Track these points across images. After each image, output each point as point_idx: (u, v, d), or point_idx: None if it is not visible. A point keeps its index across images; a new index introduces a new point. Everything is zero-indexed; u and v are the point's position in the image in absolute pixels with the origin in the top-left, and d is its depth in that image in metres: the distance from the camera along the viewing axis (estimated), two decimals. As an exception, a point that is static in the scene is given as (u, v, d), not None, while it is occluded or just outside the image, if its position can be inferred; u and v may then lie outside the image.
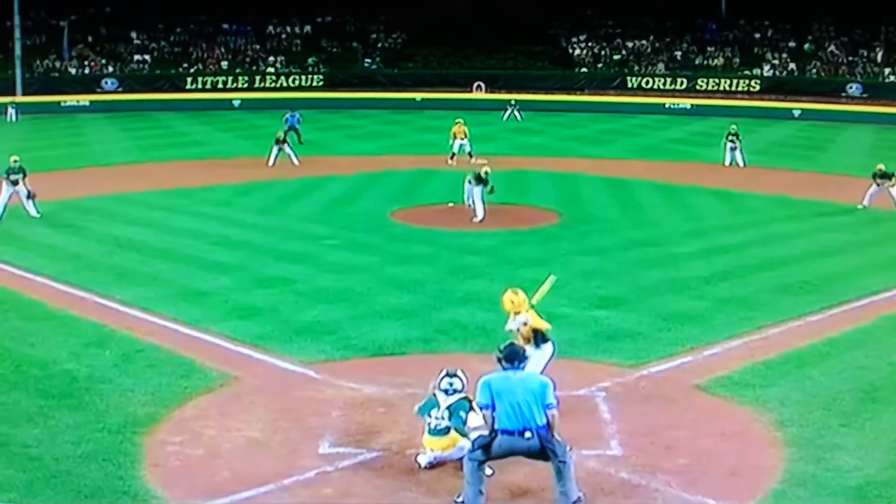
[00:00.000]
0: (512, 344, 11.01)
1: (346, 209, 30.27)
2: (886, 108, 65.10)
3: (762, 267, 22.39)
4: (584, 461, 11.69)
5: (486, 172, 27.93)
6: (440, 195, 31.53)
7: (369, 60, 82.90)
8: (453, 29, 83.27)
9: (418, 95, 70.13)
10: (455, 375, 11.65)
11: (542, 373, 12.87)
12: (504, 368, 10.64)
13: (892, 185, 29.43)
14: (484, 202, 27.78)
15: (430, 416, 11.56)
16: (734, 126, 40.66)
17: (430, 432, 11.54)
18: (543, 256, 23.42)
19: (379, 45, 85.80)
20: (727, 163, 39.66)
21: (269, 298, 19.37)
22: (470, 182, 27.77)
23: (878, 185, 29.45)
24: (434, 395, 11.68)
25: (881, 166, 29.97)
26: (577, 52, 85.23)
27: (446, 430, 11.45)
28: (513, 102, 61.92)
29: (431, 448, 11.52)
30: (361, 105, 68.70)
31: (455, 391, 11.56)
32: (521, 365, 10.66)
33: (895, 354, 16.24)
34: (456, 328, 17.18)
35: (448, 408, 11.51)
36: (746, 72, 78.69)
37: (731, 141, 39.92)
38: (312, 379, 14.76)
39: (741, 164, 39.62)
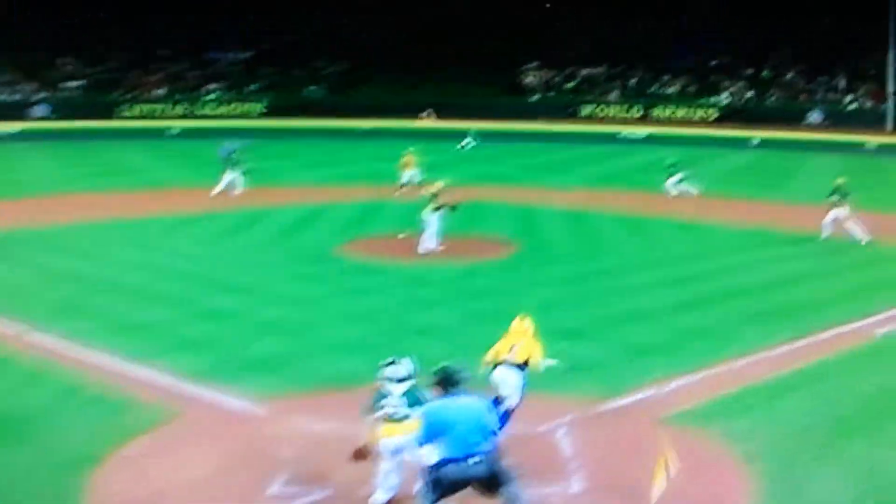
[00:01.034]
0: (446, 367, 10.71)
1: (293, 241, 30.13)
2: (849, 136, 66.00)
3: (726, 297, 22.61)
4: (545, 498, 11.58)
5: (441, 192, 27.86)
6: (391, 226, 31.47)
7: (314, 87, 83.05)
8: (402, 55, 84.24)
9: (365, 124, 70.48)
10: (395, 363, 11.74)
11: (519, 400, 13.30)
12: (442, 395, 10.46)
13: (846, 218, 29.46)
14: (440, 234, 27.72)
15: (382, 407, 11.51)
16: (671, 159, 41.14)
17: (388, 419, 11.46)
18: (500, 288, 23.41)
19: (324, 71, 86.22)
20: (672, 194, 39.80)
21: (215, 332, 19.28)
22: (433, 210, 27.54)
23: (834, 204, 29.34)
24: (381, 386, 11.63)
25: (840, 180, 30.09)
26: (529, 79, 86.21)
27: (405, 417, 11.37)
28: (472, 132, 62.58)
29: (390, 434, 11.42)
30: (307, 134, 68.70)
31: (403, 378, 11.56)
32: (459, 389, 10.44)
33: (863, 385, 16.53)
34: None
35: (403, 395, 11.50)
36: (703, 100, 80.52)
37: (672, 174, 40.34)
38: (260, 416, 14.65)
39: (692, 192, 39.85)
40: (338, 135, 67.93)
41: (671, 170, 40.61)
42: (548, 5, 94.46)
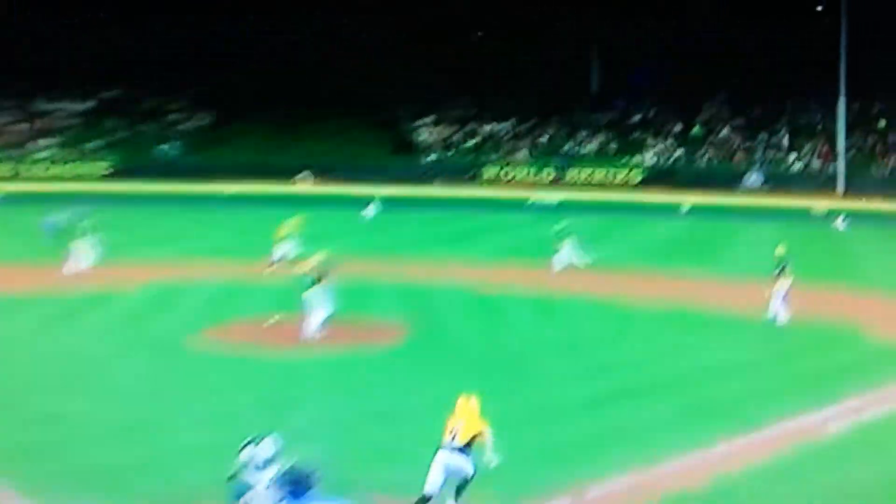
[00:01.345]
0: (293, 467, 10.78)
1: (142, 328, 29.81)
2: (792, 201, 66.81)
3: (654, 389, 22.85)
4: None
5: (321, 267, 27.86)
6: (261, 309, 31.25)
7: (168, 145, 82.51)
8: (274, 107, 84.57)
9: (231, 188, 70.24)
10: (254, 443, 11.71)
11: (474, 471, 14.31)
12: (291, 499, 10.46)
13: (784, 291, 29.45)
14: (324, 318, 27.63)
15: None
16: (559, 226, 41.91)
17: None
18: (387, 381, 23.43)
19: (181, 125, 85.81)
20: (557, 268, 40.56)
21: (44, 440, 18.93)
22: (310, 287, 27.63)
23: (776, 278, 29.37)
24: (240, 478, 11.59)
25: (781, 250, 30.19)
26: (424, 136, 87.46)
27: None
28: (376, 199, 63.10)
29: None
30: (160, 200, 68.07)
31: (268, 462, 11.61)
32: (310, 492, 10.44)
33: (816, 489, 16.64)
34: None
35: (275, 482, 11.32)
36: (625, 160, 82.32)
37: (561, 243, 41.18)
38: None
39: (580, 264, 40.73)
40: (198, 201, 67.52)
41: (557, 238, 41.35)
42: (479, 34, 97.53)
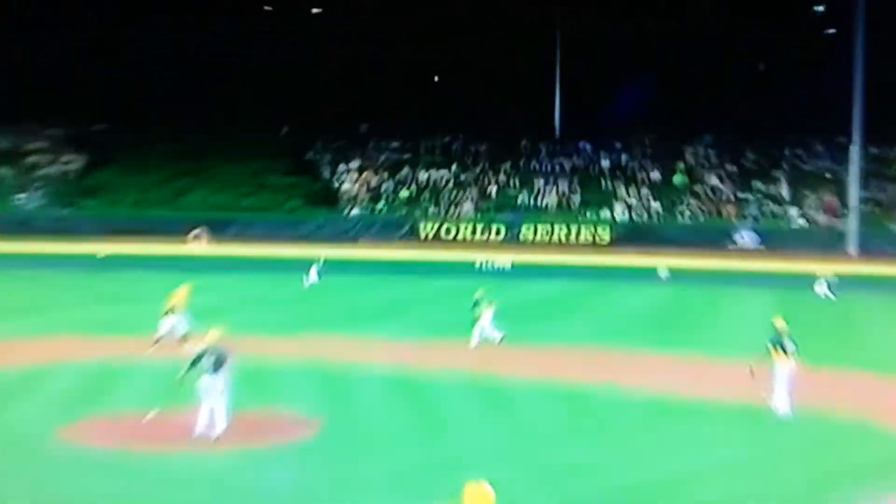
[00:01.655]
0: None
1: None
2: (791, 264, 67.30)
3: (630, 497, 22.82)
4: None
5: (218, 346, 27.52)
6: (138, 400, 30.82)
7: (25, 195, 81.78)
8: (160, 147, 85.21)
9: (103, 247, 69.81)
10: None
11: None
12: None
13: (785, 375, 29.61)
14: (222, 410, 27.30)
15: None
16: (479, 293, 42.75)
17: None
18: (292, 486, 23.39)
19: (42, 169, 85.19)
20: (474, 342, 41.43)
21: None
22: (203, 372, 27.27)
23: (776, 351, 29.57)
24: None
25: (780, 322, 30.36)
26: (347, 185, 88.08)
27: None
28: (319, 260, 64.13)
29: None
30: (14, 263, 67.26)
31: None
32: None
33: None
34: None
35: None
36: (591, 214, 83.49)
37: (477, 310, 42.16)
38: None
39: (495, 338, 41.57)
40: (63, 263, 66.99)
41: (475, 307, 42.27)
42: (436, 78, 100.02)
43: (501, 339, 41.61)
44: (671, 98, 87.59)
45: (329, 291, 60.63)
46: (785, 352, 29.67)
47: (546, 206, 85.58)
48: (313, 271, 63.63)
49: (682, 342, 43.77)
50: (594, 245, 79.78)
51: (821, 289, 58.77)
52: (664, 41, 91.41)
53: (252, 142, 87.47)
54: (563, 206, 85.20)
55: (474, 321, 41.97)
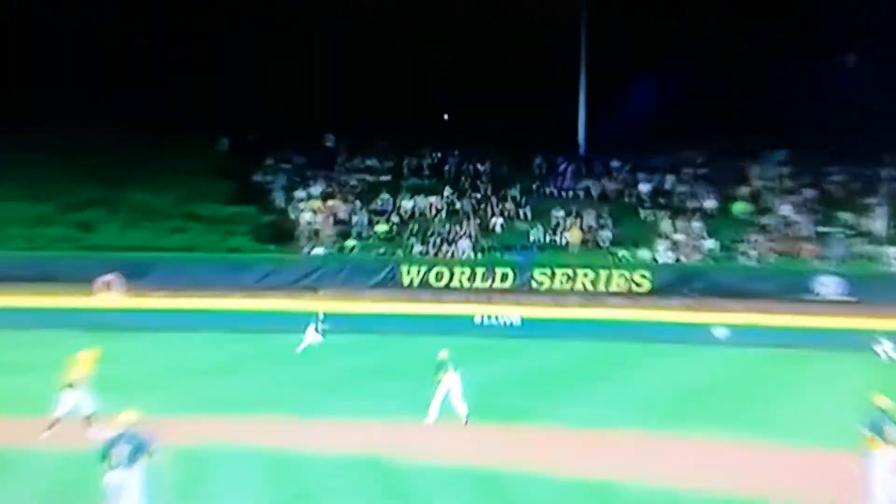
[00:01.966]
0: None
1: None
2: (889, 321, 67.11)
3: None
4: None
5: (134, 431, 27.31)
6: (31, 497, 30.67)
7: None
8: (58, 165, 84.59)
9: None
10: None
11: None
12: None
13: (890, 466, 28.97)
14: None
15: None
16: (443, 354, 43.32)
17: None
18: None
19: None
20: (432, 417, 42.57)
21: None
22: (118, 465, 27.01)
23: (876, 439, 28.88)
24: None
25: (882, 400, 29.67)
26: (306, 216, 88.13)
27: None
28: (318, 315, 66.04)
29: None
30: None
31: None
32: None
33: None
34: None
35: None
36: (626, 254, 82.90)
37: (443, 379, 43.12)
38: None
39: (462, 415, 42.47)
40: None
41: (437, 376, 43.25)
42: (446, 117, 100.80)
43: (467, 418, 42.39)
44: (730, 103, 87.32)
45: (279, 358, 60.96)
46: (889, 440, 28.97)
47: (566, 244, 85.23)
48: (311, 331, 64.90)
49: (744, 425, 43.31)
50: (629, 295, 79.34)
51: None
52: (718, 30, 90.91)
53: (180, 158, 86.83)
54: (590, 245, 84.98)
55: (436, 388, 43.00)
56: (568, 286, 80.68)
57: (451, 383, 43.00)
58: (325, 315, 66.82)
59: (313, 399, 48.74)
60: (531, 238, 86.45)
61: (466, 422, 42.34)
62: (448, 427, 41.91)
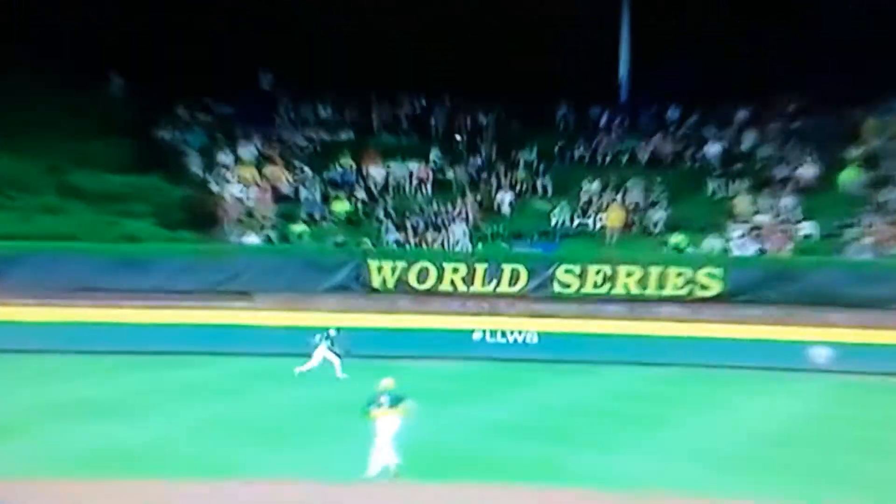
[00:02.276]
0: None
1: None
2: None
3: None
4: None
5: None
6: None
7: None
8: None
9: None
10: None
11: None
12: None
13: None
14: None
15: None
16: (387, 382, 44.26)
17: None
18: None
19: None
20: (373, 470, 43.49)
21: None
22: None
23: None
24: None
25: None
26: (233, 189, 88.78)
27: None
28: (330, 332, 68.33)
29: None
30: None
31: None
32: None
33: None
34: None
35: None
36: (687, 245, 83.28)
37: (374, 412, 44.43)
38: None
39: (389, 464, 43.45)
40: None
41: (369, 406, 44.46)
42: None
43: (396, 471, 43.35)
44: (837, 27, 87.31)
45: (195, 394, 61.64)
46: None
47: (602, 230, 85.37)
48: (321, 351, 66.78)
49: (851, 488, 43.05)
50: (690, 302, 79.30)
51: None
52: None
53: (53, 105, 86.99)
54: (635, 231, 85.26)
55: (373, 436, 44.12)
56: (604, 289, 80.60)
57: (387, 423, 43.85)
58: (336, 330, 67.91)
59: (232, 450, 48.92)
60: (553, 222, 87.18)
61: (396, 475, 43.10)
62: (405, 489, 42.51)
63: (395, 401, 43.64)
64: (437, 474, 43.46)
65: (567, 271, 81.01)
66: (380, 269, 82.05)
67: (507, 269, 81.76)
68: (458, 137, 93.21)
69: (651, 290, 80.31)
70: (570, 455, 47.33)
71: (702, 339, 73.67)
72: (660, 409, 58.78)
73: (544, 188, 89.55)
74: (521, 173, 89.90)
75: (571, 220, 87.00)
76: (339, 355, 66.92)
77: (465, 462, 44.31)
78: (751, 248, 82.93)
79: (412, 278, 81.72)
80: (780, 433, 54.11)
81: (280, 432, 52.81)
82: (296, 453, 48.20)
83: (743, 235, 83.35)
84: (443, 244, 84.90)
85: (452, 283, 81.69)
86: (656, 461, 46.76)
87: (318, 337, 67.77)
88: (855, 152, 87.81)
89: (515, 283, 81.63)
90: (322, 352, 66.91)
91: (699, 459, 47.54)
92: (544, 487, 42.33)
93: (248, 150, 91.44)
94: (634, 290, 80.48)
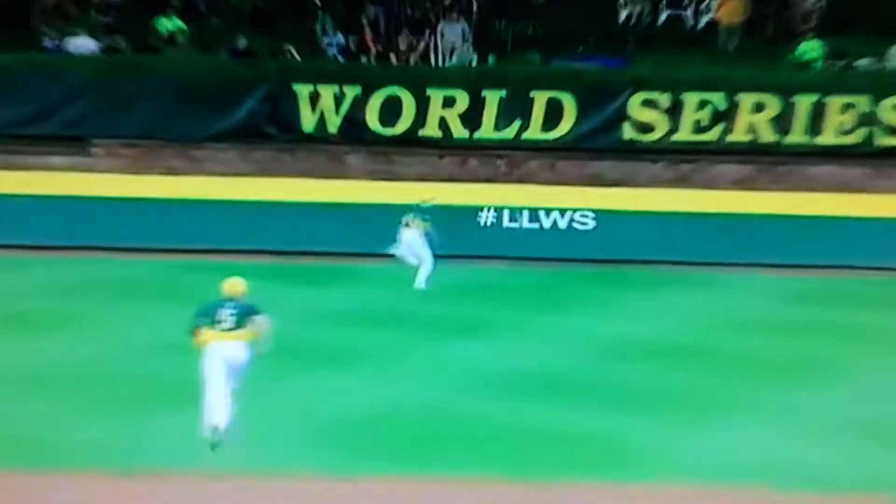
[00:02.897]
0: None
1: None
2: None
3: None
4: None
5: None
6: None
7: None
8: None
9: None
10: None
11: None
12: None
13: None
14: None
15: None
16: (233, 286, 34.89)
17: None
18: None
19: None
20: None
21: None
22: None
23: None
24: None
25: None
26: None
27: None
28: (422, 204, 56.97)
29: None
30: None
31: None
32: None
33: None
34: None
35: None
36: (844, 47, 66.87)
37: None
38: None
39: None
40: None
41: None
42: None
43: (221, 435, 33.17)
44: None
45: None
46: None
47: (710, 28, 67.96)
48: (411, 231, 53.95)
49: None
50: (871, 154, 60.01)
51: None
52: None
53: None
54: (769, 32, 67.37)
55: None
56: (713, 135, 59.92)
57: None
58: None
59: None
60: (622, 16, 70.46)
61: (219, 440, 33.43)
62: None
63: (243, 317, 32.53)
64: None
65: (646, 102, 59.84)
66: (314, 100, 61.48)
67: (539, 98, 60.43)
68: None
69: (796, 137, 59.14)
70: (633, 414, 35.10)
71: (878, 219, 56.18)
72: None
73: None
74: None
75: (654, 12, 66.39)
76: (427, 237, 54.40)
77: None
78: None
79: (370, 116, 60.82)
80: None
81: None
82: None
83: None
84: (425, 55, 62.84)
85: (443, 124, 60.66)
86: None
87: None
88: None
89: (555, 125, 60.37)
90: (412, 231, 53.70)
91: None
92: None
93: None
94: (765, 137, 59.29)
